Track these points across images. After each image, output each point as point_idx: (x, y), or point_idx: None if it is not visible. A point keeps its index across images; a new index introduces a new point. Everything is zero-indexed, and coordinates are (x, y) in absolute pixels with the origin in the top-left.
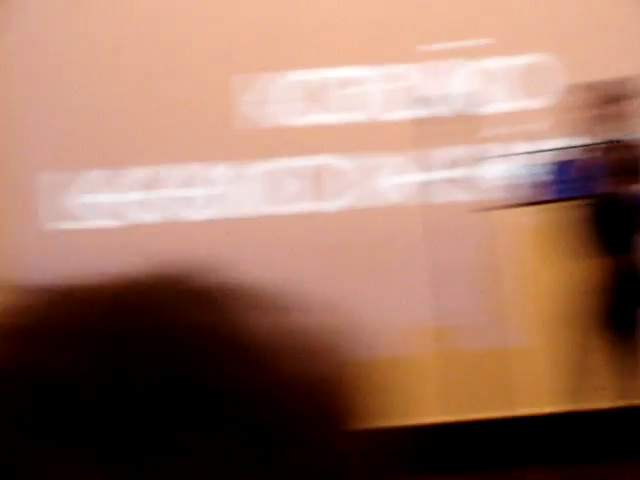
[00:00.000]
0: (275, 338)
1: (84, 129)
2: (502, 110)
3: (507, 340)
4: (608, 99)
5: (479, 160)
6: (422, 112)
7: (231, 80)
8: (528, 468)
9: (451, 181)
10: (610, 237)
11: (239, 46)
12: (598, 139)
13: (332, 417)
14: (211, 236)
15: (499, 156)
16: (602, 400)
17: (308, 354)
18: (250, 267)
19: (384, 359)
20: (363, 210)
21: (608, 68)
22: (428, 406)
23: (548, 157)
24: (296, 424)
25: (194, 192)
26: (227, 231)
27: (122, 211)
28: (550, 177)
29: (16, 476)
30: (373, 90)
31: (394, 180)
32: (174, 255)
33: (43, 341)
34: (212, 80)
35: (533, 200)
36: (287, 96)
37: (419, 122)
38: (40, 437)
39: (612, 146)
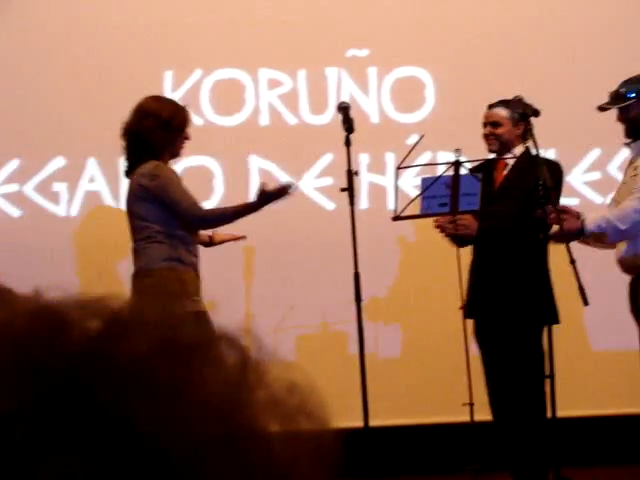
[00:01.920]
0: (239, 387)
1: None
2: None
3: None
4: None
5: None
6: (346, 116)
7: (163, 75)
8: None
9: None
10: None
11: (172, 42)
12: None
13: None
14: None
15: (416, 165)
16: None
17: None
18: None
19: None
20: (289, 212)
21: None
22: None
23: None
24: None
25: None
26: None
27: None
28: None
29: None
30: (298, 92)
31: (319, 183)
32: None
33: None
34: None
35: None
36: (216, 94)
37: (344, 126)
38: None
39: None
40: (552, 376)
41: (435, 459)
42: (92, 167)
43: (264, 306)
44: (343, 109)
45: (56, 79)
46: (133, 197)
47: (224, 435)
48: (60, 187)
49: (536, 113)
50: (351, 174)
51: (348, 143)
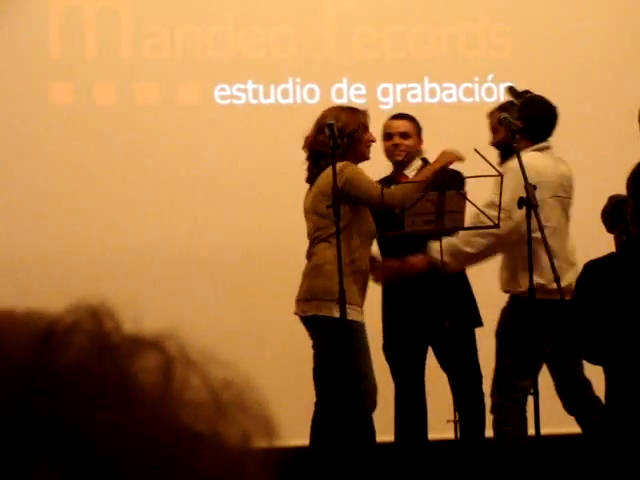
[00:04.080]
0: (171, 390)
1: None
2: None
3: None
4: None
5: None
6: (332, 133)
7: None
8: None
9: None
10: None
11: None
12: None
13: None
14: None
15: None
16: None
17: (205, 410)
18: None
19: None
20: (273, 226)
21: None
22: None
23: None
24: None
25: None
26: None
27: None
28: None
29: None
30: None
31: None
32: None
33: None
34: None
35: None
36: None
37: (330, 143)
38: None
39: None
40: (536, 393)
41: (420, 476)
42: None
43: (244, 318)
44: (329, 126)
45: None
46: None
47: (160, 436)
48: None
49: (521, 132)
50: (337, 191)
51: (334, 160)
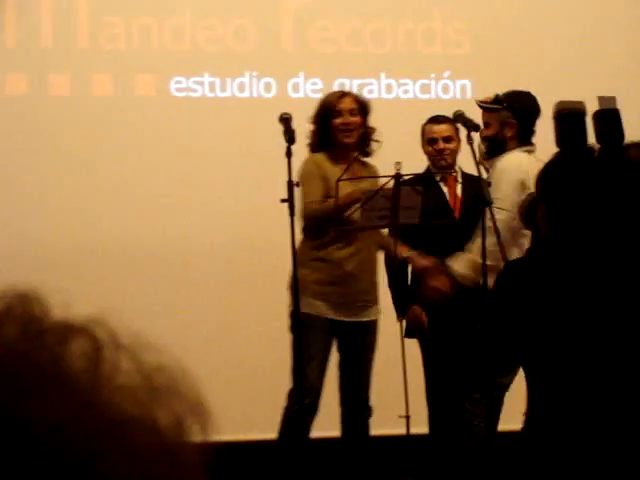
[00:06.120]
0: (102, 374)
1: None
2: None
3: None
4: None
5: None
6: (287, 127)
7: None
8: None
9: None
10: None
11: None
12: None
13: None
14: None
15: None
16: None
17: (137, 393)
18: None
19: None
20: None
21: None
22: None
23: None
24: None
25: None
26: None
27: None
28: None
29: None
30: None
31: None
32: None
33: None
34: None
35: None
36: None
37: (285, 137)
38: None
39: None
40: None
41: (370, 472)
42: None
43: (206, 311)
44: (284, 120)
45: None
46: None
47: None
48: None
49: (476, 128)
50: (292, 185)
51: (289, 154)
